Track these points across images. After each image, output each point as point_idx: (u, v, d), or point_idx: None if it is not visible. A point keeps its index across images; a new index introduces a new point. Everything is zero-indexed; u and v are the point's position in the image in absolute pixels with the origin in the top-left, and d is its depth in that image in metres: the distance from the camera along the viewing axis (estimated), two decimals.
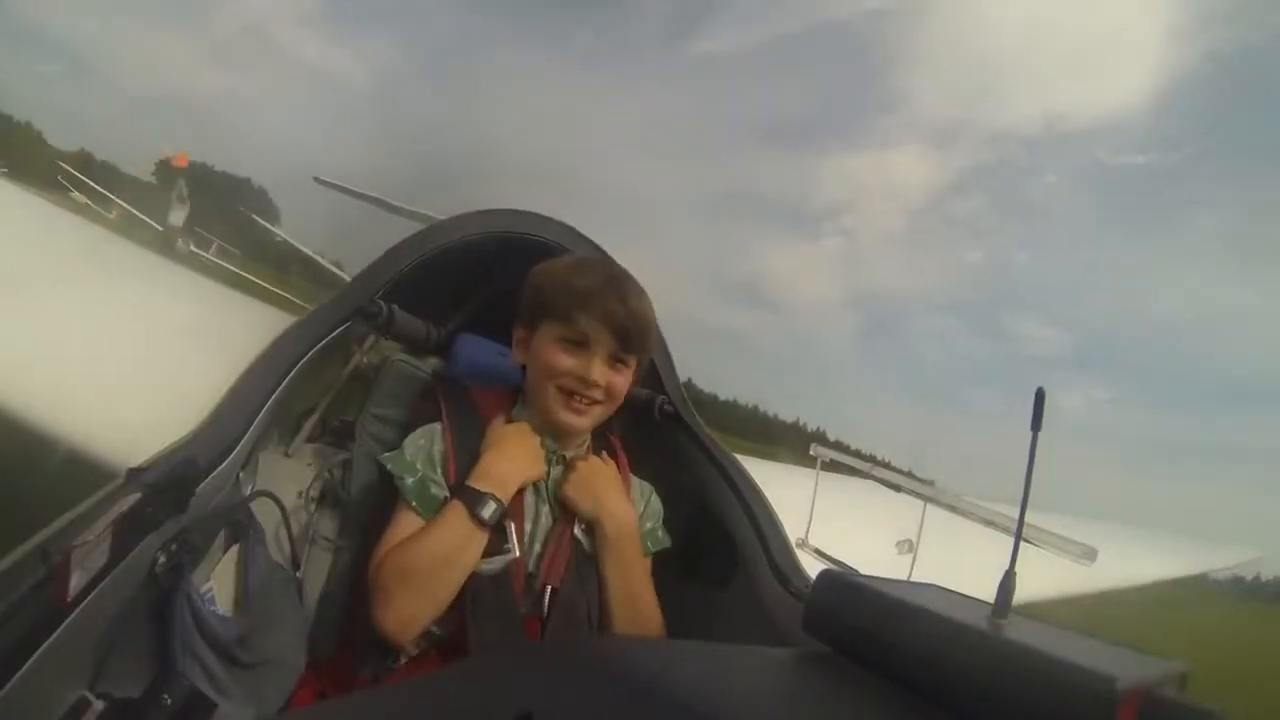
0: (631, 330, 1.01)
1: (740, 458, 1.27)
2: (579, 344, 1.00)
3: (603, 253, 1.25)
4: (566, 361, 1.00)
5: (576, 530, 1.03)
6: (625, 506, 1.05)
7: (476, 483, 0.95)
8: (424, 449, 1.02)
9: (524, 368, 1.08)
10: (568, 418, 1.02)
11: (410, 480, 0.98)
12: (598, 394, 1.02)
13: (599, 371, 1.00)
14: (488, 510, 0.93)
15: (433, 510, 0.95)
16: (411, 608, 0.89)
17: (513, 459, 0.99)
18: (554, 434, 1.06)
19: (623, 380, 1.04)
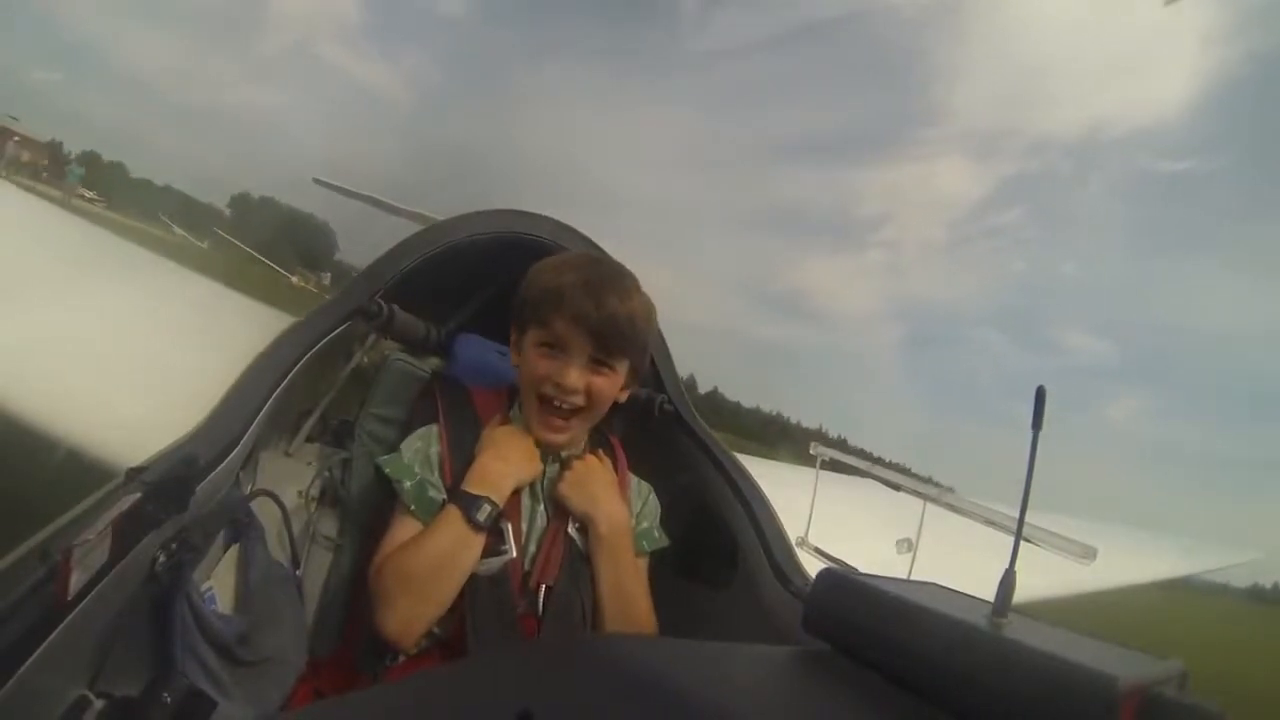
0: (608, 332, 0.97)
1: (741, 458, 1.27)
2: (556, 348, 0.98)
3: (600, 250, 1.24)
4: (544, 367, 0.98)
5: (570, 529, 1.02)
6: (619, 506, 1.05)
7: (471, 486, 0.95)
8: (420, 451, 1.02)
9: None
10: (545, 435, 1.01)
11: (408, 484, 0.98)
12: (578, 399, 0.99)
13: (575, 376, 0.97)
14: (483, 514, 0.93)
15: (431, 514, 0.95)
16: (413, 611, 0.89)
17: (507, 460, 0.99)
18: None
19: (606, 383, 1.00)
